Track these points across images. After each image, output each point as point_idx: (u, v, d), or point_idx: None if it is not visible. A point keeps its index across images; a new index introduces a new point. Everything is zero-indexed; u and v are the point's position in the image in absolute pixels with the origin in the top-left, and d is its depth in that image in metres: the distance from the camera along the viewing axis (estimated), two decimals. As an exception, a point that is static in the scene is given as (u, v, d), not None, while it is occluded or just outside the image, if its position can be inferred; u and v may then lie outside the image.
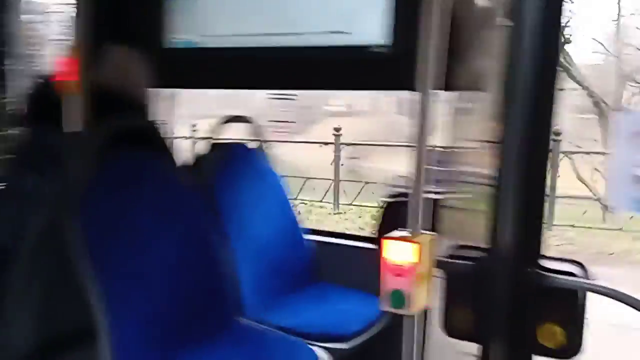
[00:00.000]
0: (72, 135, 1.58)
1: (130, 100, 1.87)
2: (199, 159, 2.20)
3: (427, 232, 1.16)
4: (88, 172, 1.57)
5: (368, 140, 11.40)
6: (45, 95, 1.81)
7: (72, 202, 1.54)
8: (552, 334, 1.17)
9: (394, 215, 2.22)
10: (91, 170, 1.57)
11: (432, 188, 1.27)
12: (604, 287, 1.12)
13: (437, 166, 1.40)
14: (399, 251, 1.13)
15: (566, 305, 1.17)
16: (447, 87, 1.12)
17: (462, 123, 1.41)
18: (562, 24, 1.14)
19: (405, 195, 2.28)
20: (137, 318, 1.60)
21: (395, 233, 1.16)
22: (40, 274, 1.60)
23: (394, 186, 2.27)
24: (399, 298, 1.12)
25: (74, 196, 1.54)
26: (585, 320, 1.17)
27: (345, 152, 7.84)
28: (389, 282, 1.13)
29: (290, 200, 2.41)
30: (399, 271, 1.12)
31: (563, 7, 1.14)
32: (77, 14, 1.58)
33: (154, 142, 1.87)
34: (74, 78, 1.58)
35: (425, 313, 1.22)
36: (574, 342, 1.16)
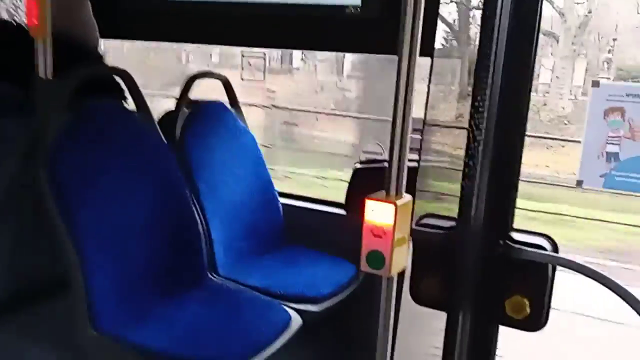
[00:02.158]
0: (40, 82, 1.51)
1: (80, 42, 1.78)
2: (172, 114, 2.14)
3: (406, 194, 1.15)
4: (60, 122, 1.52)
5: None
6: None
7: (43, 154, 1.49)
8: (519, 306, 1.18)
9: (362, 182, 2.23)
10: (62, 120, 1.52)
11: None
12: (572, 262, 1.13)
13: (412, 134, 1.38)
14: (379, 213, 1.12)
15: (535, 279, 1.18)
16: (422, 53, 1.09)
17: (437, 91, 1.39)
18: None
19: (374, 162, 2.30)
20: (110, 270, 1.60)
21: (376, 194, 1.15)
22: (11, 224, 1.57)
23: (365, 152, 2.26)
24: (377, 259, 1.12)
25: (45, 147, 1.49)
26: (552, 294, 1.18)
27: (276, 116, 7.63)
28: (369, 243, 1.13)
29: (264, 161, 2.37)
30: (379, 232, 1.12)
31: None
32: None
33: (124, 94, 1.81)
34: (35, 22, 1.50)
35: (401, 277, 1.23)
36: (541, 315, 1.18)
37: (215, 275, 2.00)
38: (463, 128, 1.15)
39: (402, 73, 1.06)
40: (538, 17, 1.12)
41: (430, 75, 1.40)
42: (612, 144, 1.15)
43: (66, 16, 1.75)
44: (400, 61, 1.05)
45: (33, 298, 1.64)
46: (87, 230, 1.55)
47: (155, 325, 1.64)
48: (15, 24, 1.76)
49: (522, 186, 1.19)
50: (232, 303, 1.87)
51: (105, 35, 1.94)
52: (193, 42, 2.16)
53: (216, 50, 5.75)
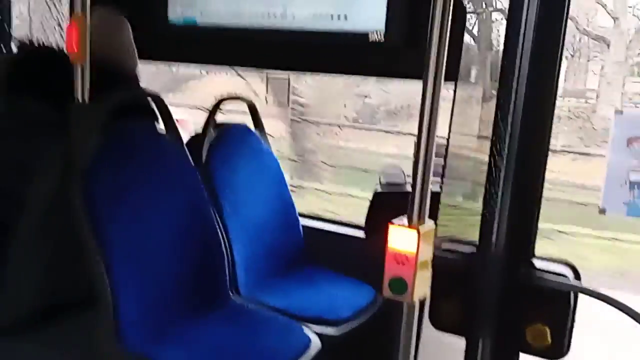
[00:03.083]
0: (76, 105, 1.57)
1: (118, 67, 1.84)
2: (199, 137, 2.19)
3: (429, 220, 1.15)
4: (94, 143, 1.57)
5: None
6: (28, 64, 1.78)
7: (78, 173, 1.54)
8: (540, 333, 1.17)
9: (382, 206, 2.24)
10: (97, 141, 1.57)
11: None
12: (594, 290, 1.12)
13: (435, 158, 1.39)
14: (402, 239, 1.12)
15: (556, 307, 1.17)
16: (446, 78, 1.10)
17: (460, 116, 1.40)
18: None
19: (394, 185, 2.31)
20: (136, 288, 1.63)
21: (399, 220, 1.15)
22: (42, 244, 1.62)
23: (385, 174, 2.27)
24: (400, 285, 1.12)
25: (80, 166, 1.54)
26: (574, 322, 1.17)
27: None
28: (392, 269, 1.12)
29: (287, 183, 2.40)
30: (402, 259, 1.12)
31: (566, 12, 1.12)
32: None
33: (156, 116, 1.86)
34: (74, 47, 1.56)
35: (422, 303, 1.22)
36: (562, 343, 1.17)
37: (236, 294, 2.02)
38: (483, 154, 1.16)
39: (427, 98, 1.07)
40: (559, 54, 1.12)
41: (454, 100, 1.41)
42: (636, 172, 1.15)
43: (107, 43, 1.83)
44: (425, 86, 1.06)
45: (63, 312, 1.67)
46: (115, 247, 1.59)
47: (178, 344, 1.67)
48: (55, 48, 1.83)
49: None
50: (252, 324, 1.88)
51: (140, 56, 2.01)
52: (218, 64, 2.22)
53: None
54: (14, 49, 2.11)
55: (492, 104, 1.18)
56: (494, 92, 1.18)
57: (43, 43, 1.86)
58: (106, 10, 1.90)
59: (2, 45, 2.45)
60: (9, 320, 1.65)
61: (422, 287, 1.16)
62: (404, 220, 1.15)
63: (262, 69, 2.35)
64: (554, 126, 1.15)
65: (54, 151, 1.61)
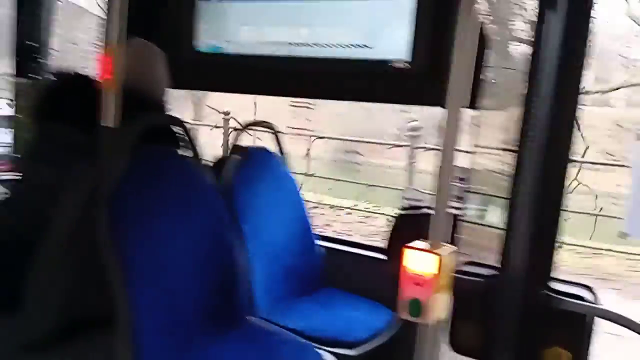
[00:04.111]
0: (103, 130, 1.62)
1: (148, 95, 1.90)
2: (221, 161, 2.24)
3: (448, 244, 1.17)
4: (121, 167, 1.61)
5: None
6: (60, 91, 1.84)
7: (104, 195, 1.58)
8: (558, 357, 1.18)
9: (404, 227, 2.26)
10: (124, 164, 1.62)
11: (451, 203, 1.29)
12: (613, 313, 1.14)
13: (457, 182, 1.41)
14: (420, 261, 1.14)
15: (574, 330, 1.18)
16: (471, 105, 1.13)
17: (481, 141, 1.43)
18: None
19: (416, 207, 2.33)
20: (155, 309, 1.64)
21: (417, 244, 1.17)
22: (66, 264, 1.65)
23: (406, 199, 2.29)
24: (416, 307, 1.13)
25: (106, 189, 1.59)
26: (592, 345, 1.18)
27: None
28: (408, 291, 1.14)
29: (305, 206, 2.44)
30: (419, 281, 1.13)
31: (589, 29, 1.14)
32: (109, 13, 1.62)
33: (182, 140, 1.91)
34: (107, 76, 1.62)
35: (438, 325, 1.23)
36: None
37: (253, 315, 2.04)
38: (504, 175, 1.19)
39: (449, 126, 1.10)
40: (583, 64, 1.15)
41: (475, 125, 1.44)
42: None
43: (139, 72, 1.90)
44: (448, 114, 1.09)
45: (83, 332, 1.69)
46: (137, 270, 1.61)
47: None
48: (82, 75, 1.89)
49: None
50: (269, 345, 1.89)
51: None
52: (245, 93, 2.28)
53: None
54: (49, 77, 2.18)
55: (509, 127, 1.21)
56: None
57: (76, 71, 1.93)
58: (141, 42, 1.97)
59: (38, 73, 2.54)
60: (30, 339, 1.66)
61: (439, 309, 1.17)
62: (424, 243, 1.17)
63: (288, 97, 2.40)
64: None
65: (81, 174, 1.65)
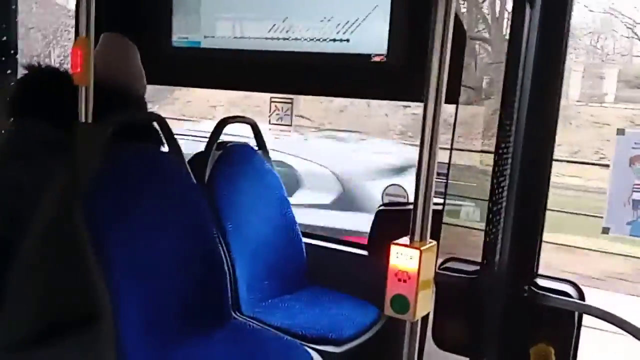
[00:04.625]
0: (80, 126, 1.59)
1: (125, 90, 1.87)
2: (202, 156, 2.20)
3: (431, 240, 1.16)
4: (96, 164, 1.58)
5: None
6: (34, 86, 1.81)
7: (80, 193, 1.55)
8: (544, 354, 1.17)
9: (384, 224, 2.25)
10: (99, 162, 1.59)
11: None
12: (598, 309, 1.12)
13: (438, 178, 1.40)
14: (404, 257, 1.13)
15: (560, 326, 1.17)
16: (447, 100, 1.11)
17: (462, 137, 1.41)
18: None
19: (396, 204, 2.31)
20: (138, 307, 1.62)
21: (401, 239, 1.16)
22: (45, 263, 1.62)
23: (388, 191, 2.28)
24: (402, 303, 1.12)
25: (82, 187, 1.56)
26: (578, 342, 1.17)
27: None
28: (393, 288, 1.13)
29: (289, 202, 2.41)
30: (403, 277, 1.12)
31: (567, 24, 1.13)
32: (79, 6, 1.58)
33: (160, 137, 1.88)
34: (78, 70, 1.59)
35: (425, 321, 1.22)
36: None
37: (238, 314, 2.02)
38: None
39: (428, 120, 1.08)
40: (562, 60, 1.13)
41: (455, 121, 1.43)
42: (638, 191, 1.16)
43: (115, 67, 1.86)
44: (425, 108, 1.07)
45: (64, 331, 1.67)
46: (117, 267, 1.59)
47: None
48: (62, 71, 1.86)
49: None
50: (254, 343, 1.87)
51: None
52: (223, 88, 2.24)
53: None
54: (20, 71, 2.14)
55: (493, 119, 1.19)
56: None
57: (48, 65, 1.89)
58: (115, 36, 1.93)
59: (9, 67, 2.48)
60: (10, 339, 1.64)
61: (424, 305, 1.16)
62: (407, 239, 1.15)
63: (266, 92, 2.38)
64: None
65: (58, 171, 1.62)
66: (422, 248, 1.11)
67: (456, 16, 1.08)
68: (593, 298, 1.20)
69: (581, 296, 1.18)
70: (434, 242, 1.15)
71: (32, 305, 1.65)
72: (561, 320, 1.16)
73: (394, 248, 1.13)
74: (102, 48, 1.88)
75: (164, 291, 1.73)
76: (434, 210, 1.16)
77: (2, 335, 1.65)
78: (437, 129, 1.09)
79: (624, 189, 1.14)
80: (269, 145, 2.41)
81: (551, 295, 1.17)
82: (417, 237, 1.13)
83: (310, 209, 3.72)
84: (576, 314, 1.16)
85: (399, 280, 1.13)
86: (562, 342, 1.16)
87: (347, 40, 1.88)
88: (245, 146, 2.33)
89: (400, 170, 4.16)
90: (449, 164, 1.34)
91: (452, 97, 1.22)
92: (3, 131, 1.84)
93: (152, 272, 1.70)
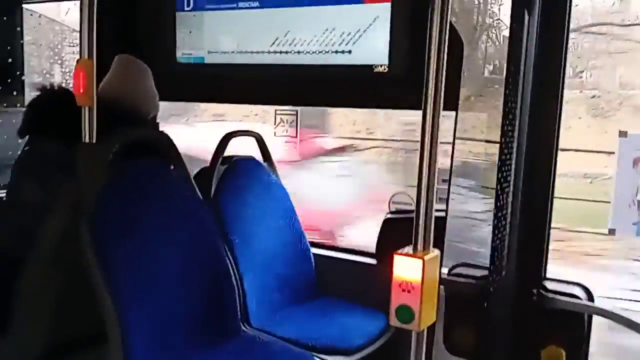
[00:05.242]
0: (82, 145, 1.61)
1: (137, 110, 1.89)
2: (207, 171, 2.22)
3: (434, 249, 1.17)
4: (99, 182, 1.60)
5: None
6: (46, 107, 1.83)
7: (85, 211, 1.56)
8: (555, 356, 1.17)
9: (392, 231, 2.25)
10: (102, 180, 1.60)
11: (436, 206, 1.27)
12: (608, 311, 1.13)
13: (441, 184, 1.40)
14: (408, 267, 1.13)
15: (570, 328, 1.17)
16: (446, 107, 1.12)
17: (464, 143, 1.42)
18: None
19: (403, 212, 2.32)
20: (146, 323, 1.63)
21: (404, 249, 1.16)
22: (52, 280, 1.63)
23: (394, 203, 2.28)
24: (406, 313, 1.12)
25: (87, 205, 1.57)
26: (589, 344, 1.17)
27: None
28: (398, 298, 1.13)
29: (296, 213, 2.42)
30: (407, 287, 1.12)
31: (566, 26, 1.14)
32: (82, 28, 1.61)
33: (166, 153, 1.90)
34: (81, 91, 1.61)
35: (431, 329, 1.22)
36: None
37: (247, 326, 2.02)
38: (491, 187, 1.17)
39: (427, 127, 1.09)
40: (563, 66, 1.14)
41: (455, 127, 1.44)
42: (644, 192, 1.16)
43: (126, 88, 1.91)
44: (424, 116, 1.08)
45: (73, 348, 1.67)
46: (124, 283, 1.59)
47: None
48: (68, 90, 1.88)
49: None
50: (264, 355, 1.87)
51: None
52: (227, 102, 2.27)
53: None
54: (30, 93, 2.16)
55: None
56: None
57: (60, 86, 1.92)
58: (128, 58, 1.97)
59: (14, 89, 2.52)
60: (19, 358, 1.65)
61: (429, 315, 1.16)
62: (409, 248, 1.16)
63: (270, 105, 2.40)
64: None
65: (65, 190, 1.64)
66: (425, 257, 1.11)
67: (452, 25, 1.09)
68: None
69: (590, 298, 1.19)
70: (437, 251, 1.15)
71: (42, 322, 1.66)
72: (571, 322, 1.16)
73: (397, 258, 1.13)
74: (115, 70, 1.92)
75: (172, 306, 1.74)
76: (436, 217, 1.17)
77: (13, 354, 1.66)
78: (437, 136, 1.10)
79: (629, 190, 1.14)
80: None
81: (560, 298, 1.17)
82: (420, 247, 1.13)
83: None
84: (586, 315, 1.16)
85: (403, 290, 1.13)
86: (573, 344, 1.16)
87: (349, 52, 1.90)
88: (250, 159, 2.34)
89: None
90: (450, 169, 1.35)
91: (451, 104, 1.23)
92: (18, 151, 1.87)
93: (159, 288, 1.71)
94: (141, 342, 1.60)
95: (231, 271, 1.98)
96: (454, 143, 1.41)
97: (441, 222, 1.26)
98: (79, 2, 1.58)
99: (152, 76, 1.99)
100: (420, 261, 1.11)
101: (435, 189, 1.14)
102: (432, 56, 1.04)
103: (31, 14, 2.69)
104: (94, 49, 1.52)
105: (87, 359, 1.67)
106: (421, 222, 1.13)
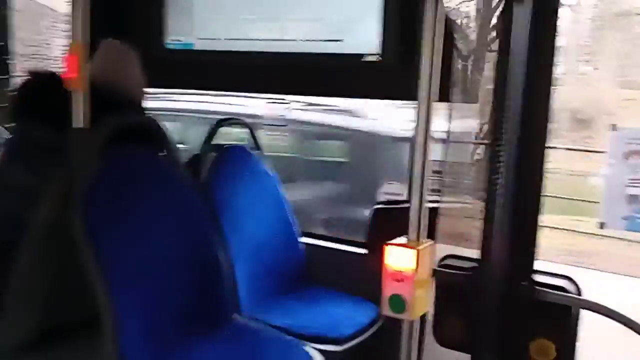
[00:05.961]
0: (75, 131, 1.60)
1: (123, 95, 1.87)
2: (197, 158, 2.20)
3: (426, 239, 1.16)
4: (92, 168, 1.58)
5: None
6: (35, 91, 1.81)
7: (77, 197, 1.55)
8: (544, 349, 1.18)
9: (382, 221, 2.25)
10: (95, 166, 1.59)
11: (429, 197, 1.27)
12: (596, 304, 1.13)
13: (434, 176, 1.40)
14: (399, 257, 1.14)
15: (559, 321, 1.17)
16: (442, 99, 1.12)
17: (457, 134, 1.42)
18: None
19: (394, 202, 2.32)
20: (137, 310, 1.63)
21: (396, 239, 1.17)
22: (44, 266, 1.63)
23: (385, 193, 2.28)
24: (399, 303, 1.13)
25: (79, 191, 1.56)
26: (577, 336, 1.18)
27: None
28: (390, 287, 1.14)
29: (286, 202, 2.41)
30: (399, 277, 1.13)
31: (556, 19, 1.14)
32: (74, 11, 1.58)
33: (156, 140, 1.88)
34: (73, 75, 1.59)
35: (422, 319, 1.23)
36: (567, 357, 1.17)
37: (238, 314, 2.02)
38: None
39: (421, 118, 1.09)
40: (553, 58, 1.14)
41: (449, 118, 1.43)
42: (633, 186, 1.16)
43: (114, 73, 1.87)
44: (418, 106, 1.08)
45: (65, 334, 1.67)
46: (116, 270, 1.59)
47: None
48: (58, 74, 1.85)
49: None
50: (254, 343, 1.88)
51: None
52: (216, 90, 2.24)
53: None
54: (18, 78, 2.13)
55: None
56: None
57: (49, 70, 1.89)
58: (115, 42, 1.94)
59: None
60: (11, 343, 1.65)
61: (422, 304, 1.17)
62: (403, 239, 1.16)
63: (260, 94, 2.37)
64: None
65: (57, 175, 1.63)
66: (419, 248, 1.12)
67: (446, 17, 1.08)
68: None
69: (578, 291, 1.19)
70: (431, 241, 1.16)
71: (33, 308, 1.66)
72: (559, 315, 1.17)
73: (390, 248, 1.14)
74: (101, 54, 1.89)
75: (163, 293, 1.74)
76: (429, 209, 1.17)
77: (3, 339, 1.66)
78: (430, 128, 1.10)
79: (619, 184, 1.14)
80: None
81: (548, 290, 1.18)
82: (413, 237, 1.13)
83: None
84: (574, 308, 1.17)
85: (396, 280, 1.14)
86: (561, 337, 1.17)
87: (341, 40, 1.88)
88: (240, 148, 2.33)
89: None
90: (443, 161, 1.35)
91: (444, 96, 1.23)
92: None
93: (150, 275, 1.71)
94: (133, 327, 1.60)
95: (221, 259, 1.98)
96: (448, 134, 1.40)
97: (434, 212, 1.26)
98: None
99: (138, 61, 1.96)
100: (414, 251, 1.12)
101: (428, 181, 1.14)
102: (425, 48, 1.03)
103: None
104: (86, 32, 1.50)
105: (79, 344, 1.67)
106: (414, 212, 1.13)
